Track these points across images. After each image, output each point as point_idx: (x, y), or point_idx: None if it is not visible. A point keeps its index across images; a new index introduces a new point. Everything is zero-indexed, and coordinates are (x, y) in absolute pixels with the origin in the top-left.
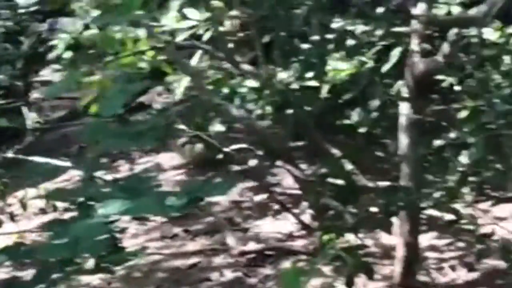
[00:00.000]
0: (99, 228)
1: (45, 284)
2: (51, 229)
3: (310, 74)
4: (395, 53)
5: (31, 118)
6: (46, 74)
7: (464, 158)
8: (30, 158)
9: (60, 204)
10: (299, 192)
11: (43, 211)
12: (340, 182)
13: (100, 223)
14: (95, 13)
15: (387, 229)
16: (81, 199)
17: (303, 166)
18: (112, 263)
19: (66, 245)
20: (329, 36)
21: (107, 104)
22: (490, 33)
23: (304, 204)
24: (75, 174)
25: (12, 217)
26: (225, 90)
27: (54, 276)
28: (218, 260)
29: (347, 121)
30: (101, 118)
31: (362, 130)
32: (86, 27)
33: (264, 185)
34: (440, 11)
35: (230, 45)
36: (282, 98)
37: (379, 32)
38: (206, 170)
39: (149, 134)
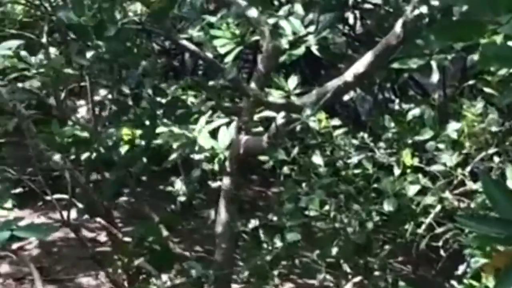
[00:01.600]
0: None
1: None
2: None
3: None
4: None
5: None
6: None
7: (278, 241)
8: None
9: None
10: (112, 250)
11: None
12: (156, 246)
13: None
14: None
15: None
16: None
17: (120, 225)
18: None
19: None
20: (161, 100)
21: None
22: (315, 122)
23: (118, 263)
24: None
25: None
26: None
27: None
28: None
29: (169, 188)
30: None
31: (181, 198)
32: None
33: (80, 238)
34: (274, 93)
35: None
36: (109, 154)
37: (210, 103)
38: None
39: None
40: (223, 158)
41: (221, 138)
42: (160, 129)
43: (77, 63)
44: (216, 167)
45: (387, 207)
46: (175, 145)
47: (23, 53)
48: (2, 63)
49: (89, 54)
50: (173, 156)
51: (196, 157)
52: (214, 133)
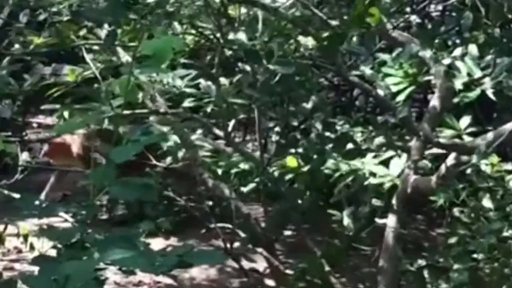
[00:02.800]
0: (90, 270)
1: None
2: (37, 263)
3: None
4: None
5: (23, 156)
6: (41, 117)
7: (443, 283)
8: (15, 195)
9: (38, 245)
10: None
11: (17, 249)
12: (317, 281)
13: (92, 266)
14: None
15: None
16: (74, 240)
17: (281, 257)
18: None
19: (54, 281)
20: (330, 135)
21: (121, 151)
22: (488, 166)
23: None
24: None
25: None
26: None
27: None
28: None
29: (334, 225)
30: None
31: (347, 233)
32: None
33: (242, 269)
34: (446, 132)
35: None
36: (275, 187)
37: (378, 140)
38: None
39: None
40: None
41: (393, 167)
42: (328, 164)
43: (248, 94)
44: (384, 202)
45: None
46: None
47: (202, 82)
48: (179, 90)
49: (260, 79)
50: (339, 186)
51: (365, 186)
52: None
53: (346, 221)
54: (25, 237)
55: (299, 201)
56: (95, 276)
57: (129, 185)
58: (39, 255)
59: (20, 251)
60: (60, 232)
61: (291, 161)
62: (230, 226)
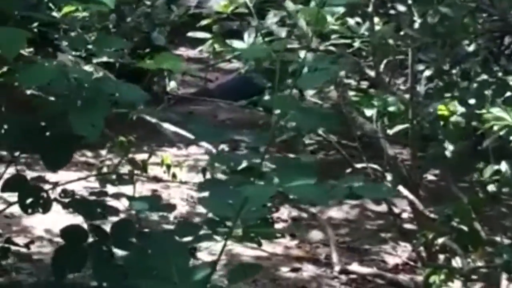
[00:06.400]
0: (269, 195)
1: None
2: (206, 188)
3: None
4: None
5: (171, 86)
6: (183, 49)
7: None
8: (163, 123)
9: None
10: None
11: (157, 179)
12: (463, 227)
13: (272, 191)
14: None
15: (496, 284)
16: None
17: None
18: (259, 235)
19: (230, 205)
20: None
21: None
22: None
23: (422, 238)
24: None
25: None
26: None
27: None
28: (318, 271)
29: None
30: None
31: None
32: None
33: (389, 211)
34: None
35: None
36: (430, 129)
37: None
38: None
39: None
40: None
41: None
42: (485, 110)
43: (407, 35)
44: None
45: None
46: (495, 127)
47: (350, 20)
48: (328, 27)
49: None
50: (490, 139)
51: None
52: None
53: (488, 173)
54: (168, 166)
55: (451, 147)
56: (269, 201)
57: (311, 113)
58: (208, 179)
59: (160, 180)
60: (230, 157)
61: (440, 106)
62: (377, 167)
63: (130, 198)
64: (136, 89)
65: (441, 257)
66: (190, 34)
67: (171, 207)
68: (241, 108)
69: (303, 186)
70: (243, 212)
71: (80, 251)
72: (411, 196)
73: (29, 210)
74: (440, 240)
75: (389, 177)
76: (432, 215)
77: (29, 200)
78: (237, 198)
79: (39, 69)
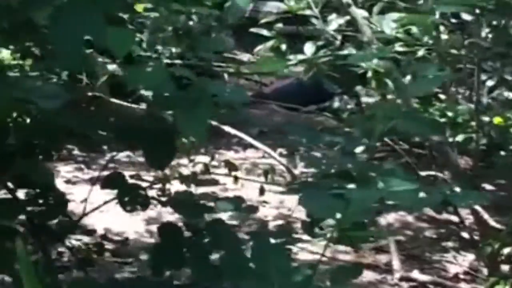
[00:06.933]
0: (374, 199)
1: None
2: (294, 191)
3: None
4: None
5: None
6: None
7: None
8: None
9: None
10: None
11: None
12: None
13: (378, 194)
14: None
15: None
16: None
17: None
18: (357, 238)
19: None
20: None
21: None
22: None
23: (486, 248)
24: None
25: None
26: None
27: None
28: (378, 277)
29: None
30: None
31: None
32: None
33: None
34: None
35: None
36: (499, 140)
37: None
38: None
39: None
40: None
41: None
42: None
43: (475, 44)
44: None
45: None
46: None
47: (414, 29)
48: (390, 34)
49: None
50: None
51: None
52: None
53: None
54: (230, 169)
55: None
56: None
57: (417, 120)
58: (300, 181)
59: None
60: (319, 160)
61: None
62: (440, 174)
63: (216, 199)
64: (239, 89)
65: (505, 267)
66: (253, 29)
67: (253, 209)
68: (296, 112)
69: (406, 192)
70: (345, 215)
71: (178, 249)
72: (475, 205)
73: (128, 207)
74: (506, 251)
75: (455, 186)
76: (497, 225)
77: (126, 198)
78: (338, 201)
79: (148, 70)
